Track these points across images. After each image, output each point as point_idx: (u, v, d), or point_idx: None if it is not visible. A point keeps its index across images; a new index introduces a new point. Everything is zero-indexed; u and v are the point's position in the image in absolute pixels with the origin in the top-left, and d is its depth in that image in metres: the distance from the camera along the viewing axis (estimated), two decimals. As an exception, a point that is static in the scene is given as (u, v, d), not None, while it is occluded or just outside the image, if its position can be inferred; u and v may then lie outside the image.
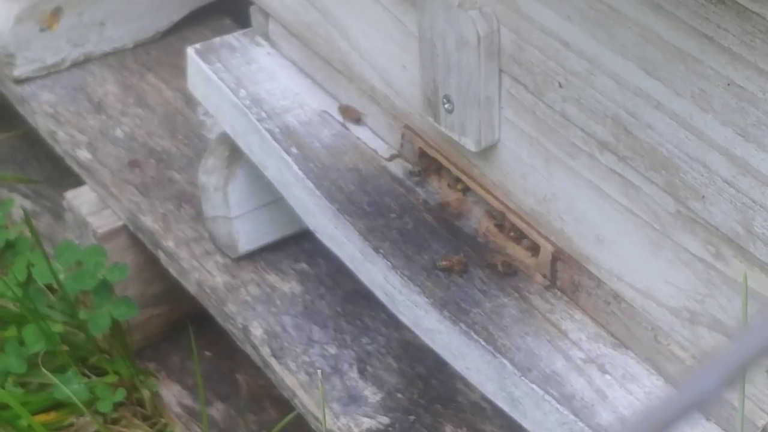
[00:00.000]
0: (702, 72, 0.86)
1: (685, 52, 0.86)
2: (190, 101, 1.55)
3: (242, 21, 1.51)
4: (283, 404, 1.37)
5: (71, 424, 1.44)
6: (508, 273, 1.09)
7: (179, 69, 1.58)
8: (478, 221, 1.14)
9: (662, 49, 0.88)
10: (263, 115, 1.24)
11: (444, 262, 1.10)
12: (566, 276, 1.06)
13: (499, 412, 1.18)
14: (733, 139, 0.86)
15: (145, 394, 1.45)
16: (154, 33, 1.65)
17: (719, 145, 0.87)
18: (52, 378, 1.39)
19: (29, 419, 1.35)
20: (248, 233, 1.35)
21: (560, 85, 0.98)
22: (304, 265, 1.37)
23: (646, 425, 0.44)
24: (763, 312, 0.89)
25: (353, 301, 1.33)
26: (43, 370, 1.38)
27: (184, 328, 1.47)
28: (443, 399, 1.24)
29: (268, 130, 1.23)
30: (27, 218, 1.46)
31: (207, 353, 1.48)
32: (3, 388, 1.40)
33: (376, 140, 1.22)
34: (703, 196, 0.90)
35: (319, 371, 1.20)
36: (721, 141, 0.87)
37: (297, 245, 1.38)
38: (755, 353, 0.43)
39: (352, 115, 1.24)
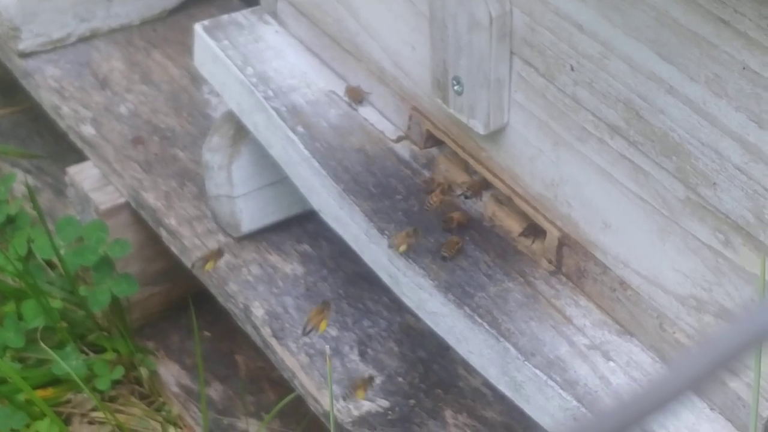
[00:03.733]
0: (717, 56, 0.85)
1: (700, 36, 0.86)
2: (195, 79, 1.54)
3: (248, 0, 1.50)
4: (282, 386, 1.36)
5: (68, 401, 1.43)
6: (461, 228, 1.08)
7: (185, 47, 1.57)
8: (484, 205, 1.13)
9: (677, 32, 0.87)
10: (270, 93, 1.23)
11: (444, 251, 1.09)
12: (572, 262, 1.05)
13: (500, 398, 1.17)
14: (746, 126, 0.85)
15: (144, 372, 1.44)
16: (160, 10, 1.64)
17: (732, 131, 0.86)
18: (51, 353, 1.38)
19: (30, 393, 1.34)
20: (251, 213, 1.34)
21: (572, 69, 0.97)
22: (306, 247, 1.36)
23: (637, 406, 0.43)
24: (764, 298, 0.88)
25: (355, 284, 1.32)
26: (42, 345, 1.37)
27: (183, 307, 1.47)
28: (444, 384, 1.24)
29: (275, 109, 1.22)
30: (31, 193, 1.45)
31: (206, 333, 1.47)
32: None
33: (383, 121, 1.21)
34: (714, 183, 0.89)
35: (327, 347, 1.19)
36: (734, 127, 0.86)
37: (300, 226, 1.37)
38: (752, 337, 0.42)
39: (358, 96, 1.23)
